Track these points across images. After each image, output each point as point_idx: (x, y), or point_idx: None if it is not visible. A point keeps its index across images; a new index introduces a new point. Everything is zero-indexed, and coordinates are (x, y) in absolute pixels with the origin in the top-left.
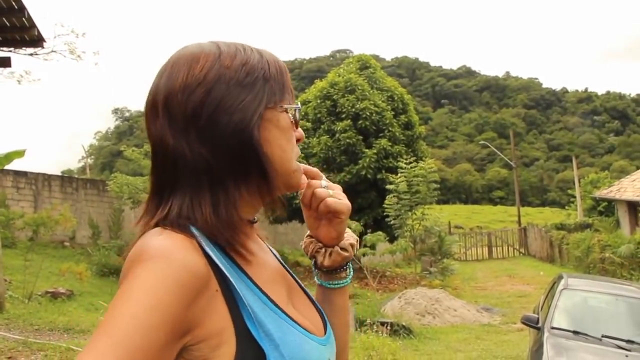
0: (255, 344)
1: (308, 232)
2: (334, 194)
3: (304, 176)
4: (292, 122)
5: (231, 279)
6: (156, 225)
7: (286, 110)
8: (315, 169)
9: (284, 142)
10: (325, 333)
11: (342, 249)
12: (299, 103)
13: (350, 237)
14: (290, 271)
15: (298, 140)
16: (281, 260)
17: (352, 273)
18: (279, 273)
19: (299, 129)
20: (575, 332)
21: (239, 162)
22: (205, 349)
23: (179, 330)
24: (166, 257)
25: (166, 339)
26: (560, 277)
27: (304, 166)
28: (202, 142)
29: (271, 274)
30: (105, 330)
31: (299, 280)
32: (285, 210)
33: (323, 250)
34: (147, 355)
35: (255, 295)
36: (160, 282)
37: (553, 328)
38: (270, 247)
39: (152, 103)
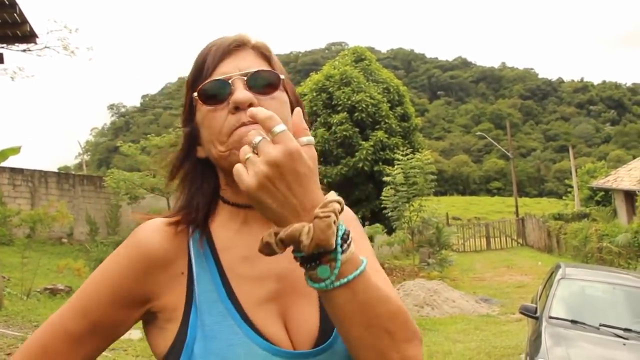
0: (190, 329)
1: None
2: (249, 160)
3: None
4: (209, 101)
5: (194, 266)
6: None
7: (200, 97)
8: (261, 114)
9: (206, 132)
10: (313, 347)
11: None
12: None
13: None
14: None
15: (237, 109)
16: None
17: (328, 275)
18: (276, 270)
19: (235, 95)
20: (573, 322)
21: (188, 150)
22: (161, 320)
23: (126, 296)
24: (133, 237)
25: (109, 297)
26: (558, 267)
27: (249, 111)
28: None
29: (260, 269)
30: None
31: None
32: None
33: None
34: (90, 305)
35: (213, 286)
36: (118, 255)
37: (551, 317)
38: None
39: None
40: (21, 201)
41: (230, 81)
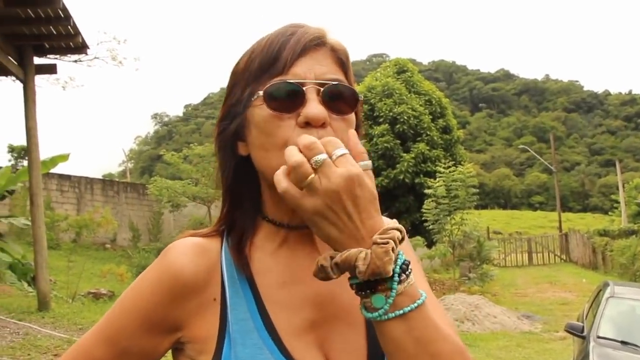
0: None
1: None
2: (311, 181)
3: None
4: (275, 104)
5: (227, 292)
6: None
7: (266, 98)
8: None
9: (263, 138)
10: None
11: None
12: (301, 78)
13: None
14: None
15: (307, 124)
16: None
17: (382, 304)
18: (316, 297)
19: (307, 107)
20: (623, 343)
21: (227, 167)
22: (192, 351)
23: (156, 323)
24: (163, 258)
25: (139, 325)
26: (605, 285)
27: (303, 139)
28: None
29: (299, 296)
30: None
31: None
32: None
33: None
34: (118, 332)
35: (249, 314)
36: (148, 278)
37: (599, 337)
38: None
39: None
40: (68, 207)
41: (304, 88)
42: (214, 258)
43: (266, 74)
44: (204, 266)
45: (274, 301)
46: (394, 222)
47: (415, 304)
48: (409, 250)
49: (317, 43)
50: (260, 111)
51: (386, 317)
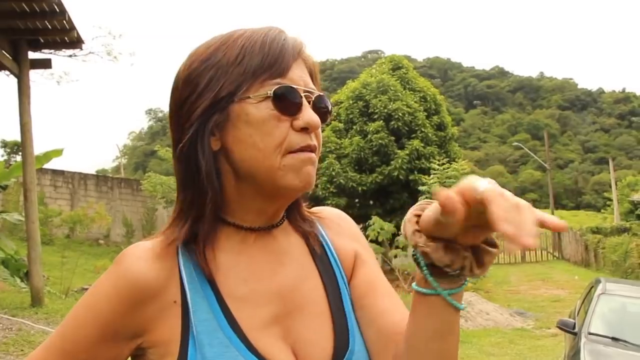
0: None
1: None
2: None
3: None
4: (277, 110)
5: (188, 293)
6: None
7: (268, 97)
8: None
9: (258, 138)
10: None
11: (489, 244)
12: (302, 83)
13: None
14: (339, 284)
15: (304, 130)
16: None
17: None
18: (278, 290)
19: (305, 114)
20: (614, 339)
21: (194, 167)
22: (154, 355)
23: (115, 332)
24: (118, 265)
25: (98, 335)
26: (597, 282)
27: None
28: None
29: (261, 291)
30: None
31: (340, 291)
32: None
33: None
34: (75, 347)
35: (212, 314)
36: (102, 287)
37: (590, 334)
38: (330, 255)
39: None
40: (61, 202)
41: (302, 95)
42: (171, 260)
43: (266, 74)
44: (161, 270)
45: (236, 298)
46: None
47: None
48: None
49: (301, 51)
50: (256, 110)
51: (455, 291)
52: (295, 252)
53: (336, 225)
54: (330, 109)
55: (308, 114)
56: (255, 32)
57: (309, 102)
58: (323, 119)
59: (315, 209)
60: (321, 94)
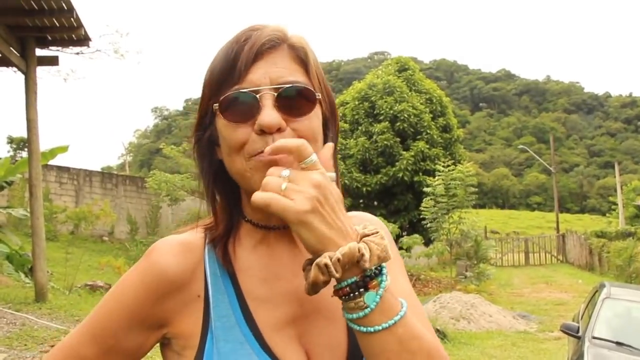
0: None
1: None
2: (287, 187)
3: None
4: (230, 116)
5: (210, 288)
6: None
7: (220, 109)
8: (291, 144)
9: (224, 144)
10: None
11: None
12: (261, 85)
13: (340, 251)
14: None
15: (263, 132)
16: None
17: (367, 307)
18: (296, 292)
19: (263, 117)
20: (618, 343)
21: (208, 172)
22: (177, 346)
23: (141, 320)
24: (147, 257)
25: (125, 323)
26: (602, 286)
27: (277, 145)
28: None
29: (279, 292)
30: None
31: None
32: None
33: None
34: (104, 332)
35: (231, 310)
36: (131, 278)
37: (594, 338)
38: None
39: None
40: (66, 199)
41: (258, 96)
42: (198, 256)
43: (224, 84)
44: (187, 264)
45: (255, 297)
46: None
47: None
48: (393, 245)
49: (272, 45)
50: (220, 120)
51: (369, 311)
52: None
53: None
54: (309, 94)
55: (262, 115)
56: (230, 39)
57: (274, 102)
58: (296, 113)
59: (350, 214)
60: (288, 85)
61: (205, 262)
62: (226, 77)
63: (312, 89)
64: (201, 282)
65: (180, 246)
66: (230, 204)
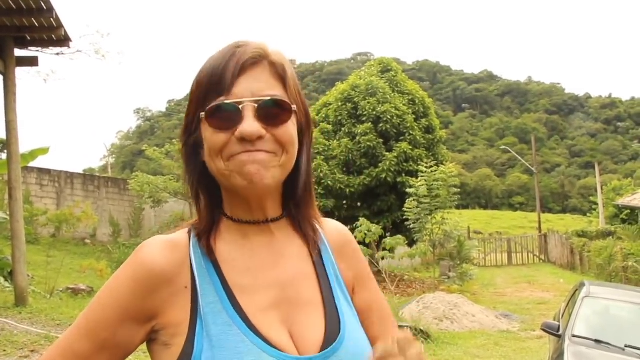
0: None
1: None
2: None
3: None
4: (215, 123)
5: (197, 279)
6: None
7: (207, 118)
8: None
9: (208, 148)
10: (319, 351)
11: None
12: (242, 98)
13: None
14: (332, 277)
15: (243, 139)
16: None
17: None
18: (278, 280)
19: (243, 127)
20: (597, 341)
21: (194, 173)
22: (166, 336)
23: (133, 314)
24: (137, 254)
25: (117, 318)
26: (582, 285)
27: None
28: None
29: (262, 280)
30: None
31: (332, 289)
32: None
33: None
34: (98, 325)
35: (217, 297)
36: (122, 274)
37: (574, 336)
38: (324, 247)
39: None
40: (47, 201)
41: (240, 107)
42: (184, 251)
43: (210, 95)
44: (174, 259)
45: (240, 284)
46: None
47: None
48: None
49: (254, 61)
50: (205, 127)
51: None
52: (294, 250)
53: (339, 245)
54: (286, 107)
55: (243, 125)
56: (217, 53)
57: (254, 113)
58: (274, 123)
59: (323, 220)
60: (267, 98)
61: (190, 256)
62: (213, 89)
63: (289, 101)
64: (187, 274)
65: (166, 243)
66: (212, 201)
